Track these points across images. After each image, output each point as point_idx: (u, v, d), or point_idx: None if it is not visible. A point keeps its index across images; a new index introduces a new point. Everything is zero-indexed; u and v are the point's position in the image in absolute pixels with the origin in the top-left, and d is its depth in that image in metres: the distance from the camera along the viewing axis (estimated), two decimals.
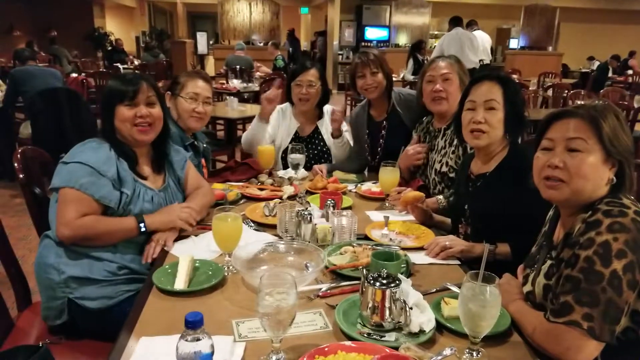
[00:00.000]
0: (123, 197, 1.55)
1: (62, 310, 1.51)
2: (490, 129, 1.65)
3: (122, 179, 1.57)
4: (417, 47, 8.36)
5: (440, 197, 2.05)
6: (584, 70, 12.98)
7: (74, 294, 1.49)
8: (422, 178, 2.31)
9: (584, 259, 1.06)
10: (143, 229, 1.57)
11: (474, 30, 7.46)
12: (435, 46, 8.63)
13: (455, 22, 6.88)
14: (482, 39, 7.37)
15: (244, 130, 5.81)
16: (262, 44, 11.81)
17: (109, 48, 13.04)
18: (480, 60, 6.88)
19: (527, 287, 1.27)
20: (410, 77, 7.91)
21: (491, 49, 8.59)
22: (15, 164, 1.74)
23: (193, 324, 0.85)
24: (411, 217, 1.88)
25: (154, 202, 1.64)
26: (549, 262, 1.22)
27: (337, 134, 2.60)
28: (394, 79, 2.81)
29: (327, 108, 2.74)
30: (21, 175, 1.74)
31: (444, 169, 2.15)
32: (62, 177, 1.52)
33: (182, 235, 1.66)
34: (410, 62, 8.29)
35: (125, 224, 1.56)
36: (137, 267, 1.57)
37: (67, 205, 1.50)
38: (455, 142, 2.12)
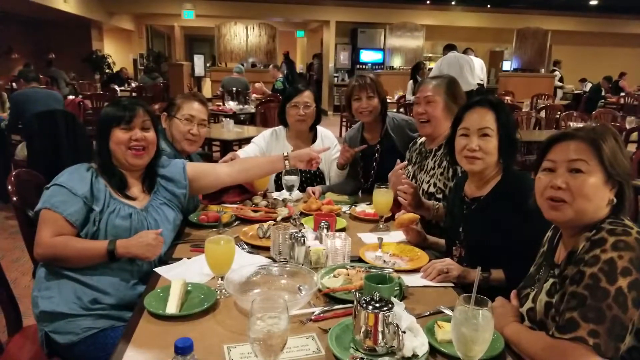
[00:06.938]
0: (92, 214, 1.56)
1: (42, 342, 1.51)
2: (485, 155, 1.66)
3: (95, 196, 1.58)
4: (417, 69, 8.51)
5: (437, 202, 2.03)
6: (576, 91, 13.15)
7: (48, 328, 1.49)
8: None
9: (590, 276, 1.07)
10: (113, 254, 1.50)
11: (468, 55, 7.59)
12: (430, 68, 8.75)
13: (450, 49, 7.01)
14: (477, 63, 7.51)
15: None
16: (261, 66, 11.96)
17: (107, 71, 13.14)
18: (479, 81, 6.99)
19: (528, 304, 1.27)
20: (410, 98, 8.02)
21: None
22: (9, 187, 1.74)
23: (182, 350, 0.85)
24: (405, 238, 1.88)
25: (132, 219, 1.62)
26: (551, 280, 1.23)
27: (341, 166, 2.61)
28: (388, 101, 2.84)
29: (323, 132, 2.75)
30: (15, 198, 1.74)
31: (432, 189, 2.15)
32: (41, 200, 1.57)
33: (174, 258, 1.66)
34: (410, 83, 8.42)
35: (95, 247, 1.51)
36: (112, 301, 1.53)
37: (42, 225, 1.52)
38: (444, 163, 2.13)
